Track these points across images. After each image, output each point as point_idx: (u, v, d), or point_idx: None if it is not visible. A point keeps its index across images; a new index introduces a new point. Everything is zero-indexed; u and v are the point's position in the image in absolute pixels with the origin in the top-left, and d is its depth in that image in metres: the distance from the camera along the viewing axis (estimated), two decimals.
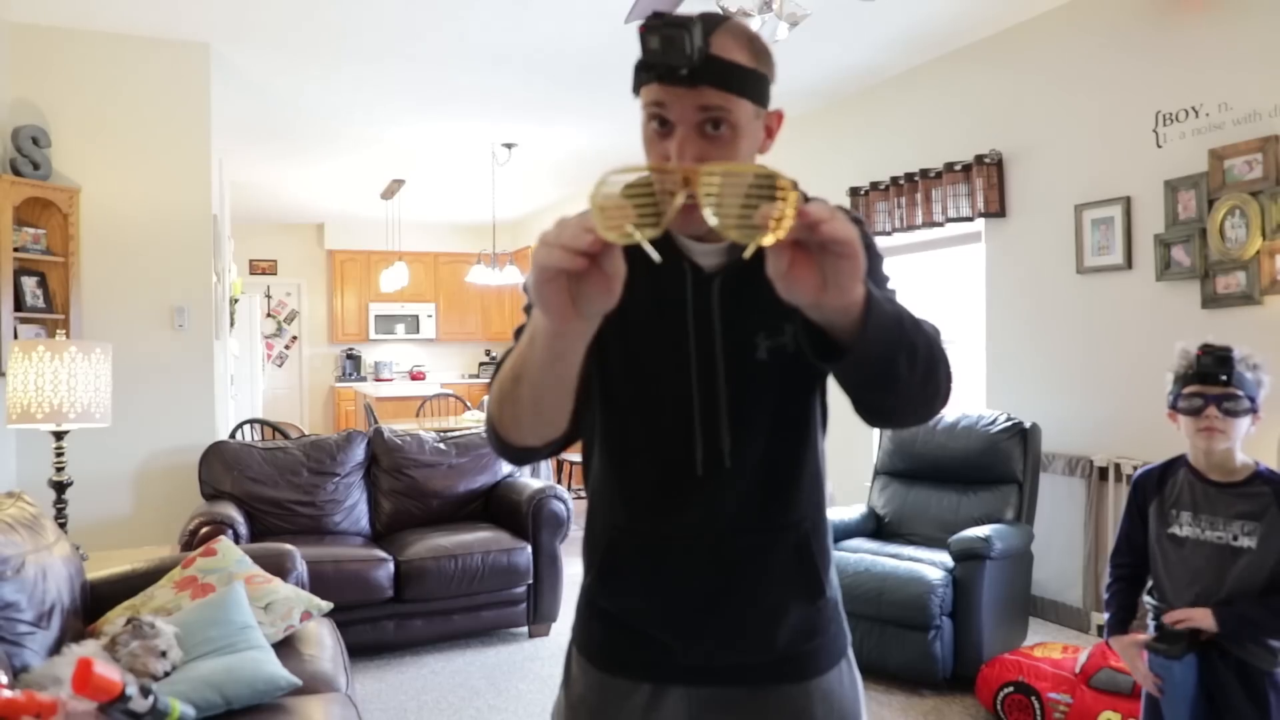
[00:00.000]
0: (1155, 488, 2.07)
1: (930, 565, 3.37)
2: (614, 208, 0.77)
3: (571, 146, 6.72)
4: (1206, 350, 1.92)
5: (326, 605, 2.69)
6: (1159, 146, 3.69)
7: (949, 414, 3.93)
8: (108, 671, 1.71)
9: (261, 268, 10.08)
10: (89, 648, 2.07)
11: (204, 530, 3.42)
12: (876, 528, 3.99)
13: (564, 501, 4.08)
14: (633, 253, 0.82)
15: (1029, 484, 3.68)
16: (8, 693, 1.66)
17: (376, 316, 10.25)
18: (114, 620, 2.31)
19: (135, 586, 2.58)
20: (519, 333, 1.03)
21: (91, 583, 2.58)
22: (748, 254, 0.79)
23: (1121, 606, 2.09)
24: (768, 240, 0.76)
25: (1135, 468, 3.59)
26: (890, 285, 1.07)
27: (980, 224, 4.59)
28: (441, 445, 4.41)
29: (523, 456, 1.06)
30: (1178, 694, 1.93)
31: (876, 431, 4.53)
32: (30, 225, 4.03)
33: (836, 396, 1.08)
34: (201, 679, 2.05)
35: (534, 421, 0.99)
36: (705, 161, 0.95)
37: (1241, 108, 3.39)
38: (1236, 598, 1.89)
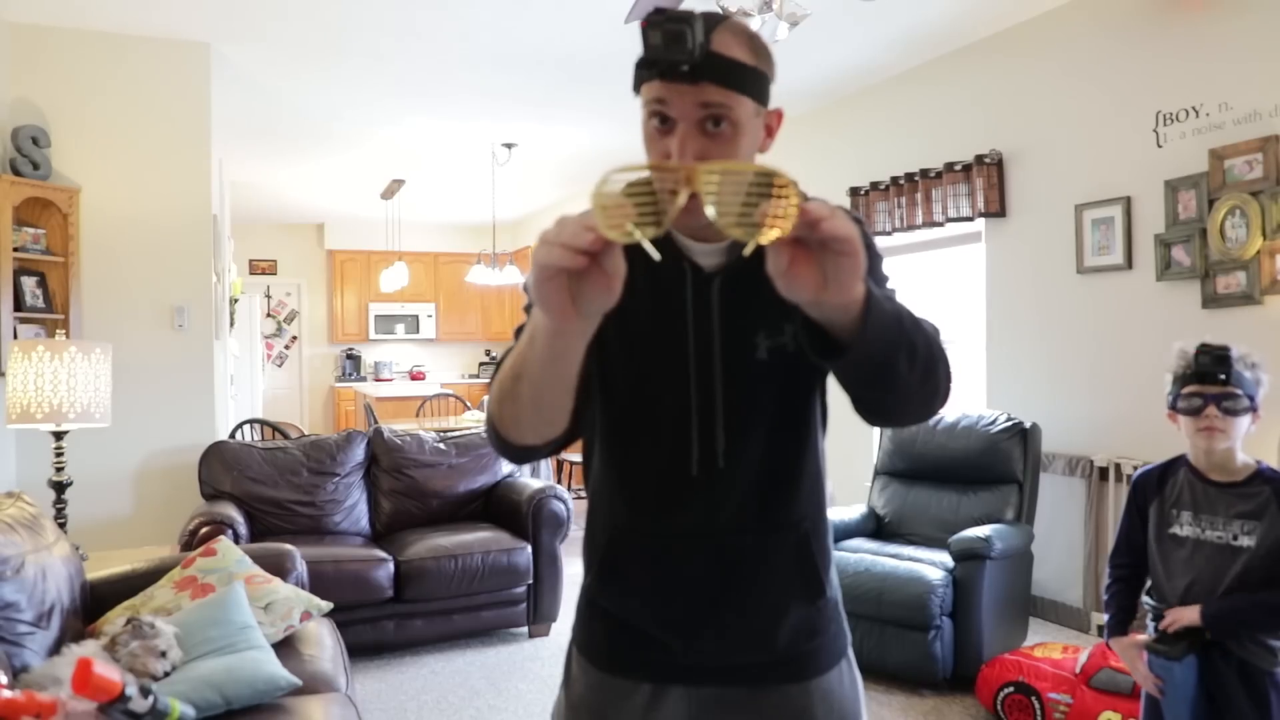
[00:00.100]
0: (1155, 488, 2.06)
1: (930, 565, 3.37)
2: (616, 206, 0.77)
3: (572, 146, 6.73)
4: (1204, 350, 1.92)
5: (326, 605, 2.69)
6: (1159, 146, 3.69)
7: (949, 414, 3.93)
8: (107, 671, 1.71)
9: (261, 268, 10.08)
10: (89, 648, 2.07)
11: (204, 530, 3.42)
12: (876, 528, 3.99)
13: (564, 501, 4.08)
14: (633, 252, 0.82)
15: (1029, 484, 3.68)
16: (8, 693, 1.66)
17: (376, 316, 10.26)
18: (114, 620, 2.31)
19: (135, 586, 2.58)
20: (519, 332, 1.03)
21: (91, 583, 2.58)
22: (748, 251, 0.79)
23: (1121, 608, 2.09)
24: (770, 237, 0.76)
25: (1135, 468, 3.59)
26: (890, 285, 1.07)
27: (980, 224, 4.59)
28: (441, 445, 4.41)
29: (523, 455, 1.06)
30: (1179, 695, 1.93)
31: (876, 431, 4.53)
32: (30, 225, 4.03)
33: (836, 396, 1.08)
34: (201, 679, 2.05)
35: (534, 420, 0.99)
36: (706, 159, 0.95)
37: (1242, 107, 3.39)
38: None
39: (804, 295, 0.81)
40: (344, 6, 4.03)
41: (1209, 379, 1.90)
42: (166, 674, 2.08)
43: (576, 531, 4.21)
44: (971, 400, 4.59)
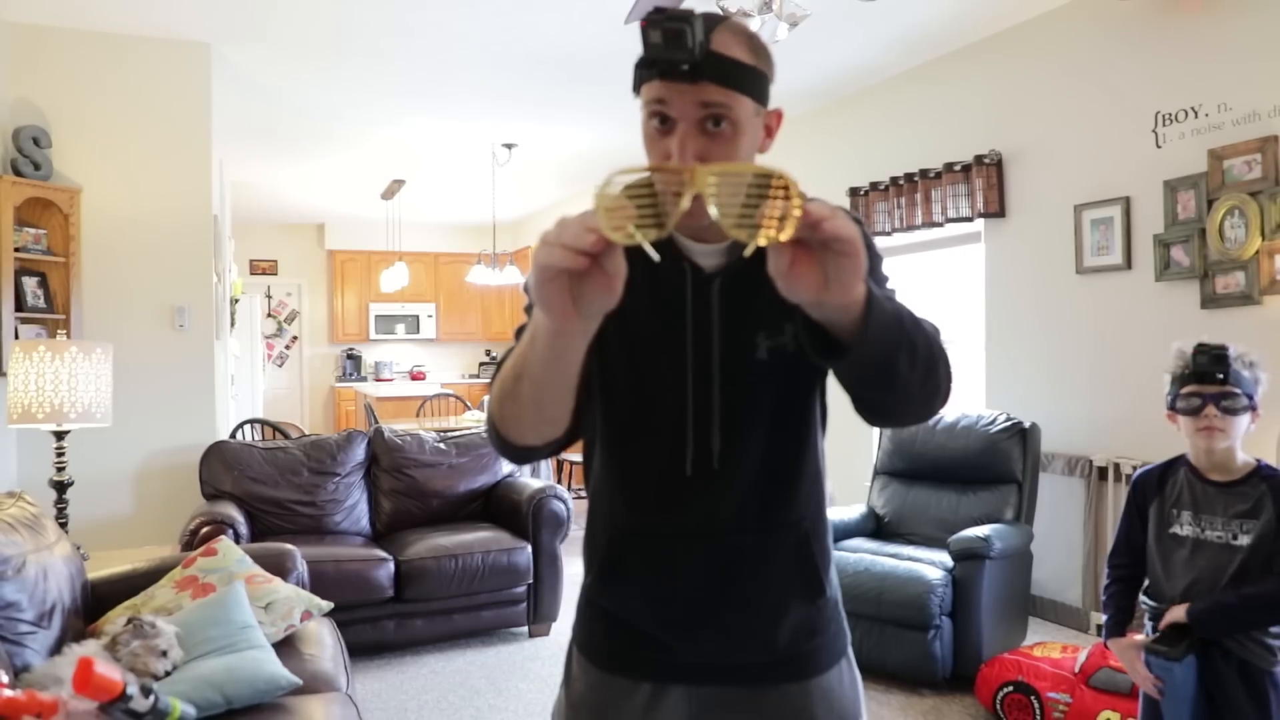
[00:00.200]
0: (1156, 488, 2.06)
1: (930, 565, 3.37)
2: (618, 208, 0.77)
3: (572, 146, 6.73)
4: (1201, 349, 1.92)
5: (327, 605, 2.69)
6: (1158, 147, 3.69)
7: (949, 414, 3.94)
8: (108, 671, 1.71)
9: (262, 268, 10.09)
10: (90, 647, 2.07)
11: (204, 530, 3.42)
12: (876, 527, 3.99)
13: (564, 501, 4.09)
14: (633, 252, 0.82)
15: (1028, 484, 3.68)
16: (9, 692, 1.67)
17: (377, 316, 10.26)
18: (115, 620, 2.31)
19: (136, 586, 2.58)
20: (520, 332, 1.03)
21: (92, 582, 2.58)
22: (748, 252, 0.79)
23: (1119, 609, 2.08)
24: (773, 239, 0.77)
25: (1135, 468, 3.59)
26: (890, 285, 1.08)
27: (980, 224, 4.59)
28: (442, 445, 4.41)
29: (524, 455, 1.06)
30: (1179, 695, 1.93)
31: (876, 431, 4.53)
32: (31, 225, 4.03)
33: (836, 396, 1.08)
34: (202, 678, 2.05)
35: (535, 420, 1.00)
36: (706, 158, 0.95)
37: (1241, 108, 3.39)
38: None
39: (805, 296, 0.81)
40: (344, 6, 4.04)
41: (1207, 379, 1.91)
42: (167, 673, 2.08)
43: (576, 531, 4.22)
44: (971, 400, 4.59)
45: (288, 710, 2.09)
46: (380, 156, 6.97)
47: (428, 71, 4.95)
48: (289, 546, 2.99)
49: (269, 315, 10.11)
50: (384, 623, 3.73)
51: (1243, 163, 3.35)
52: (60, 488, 3.45)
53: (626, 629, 1.14)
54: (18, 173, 3.98)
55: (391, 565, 3.72)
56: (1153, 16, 3.72)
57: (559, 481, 7.16)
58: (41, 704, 1.66)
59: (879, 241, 5.00)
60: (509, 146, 6.62)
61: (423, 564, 3.73)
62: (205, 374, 4.48)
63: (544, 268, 0.79)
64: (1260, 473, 1.93)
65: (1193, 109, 3.56)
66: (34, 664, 2.01)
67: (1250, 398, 1.91)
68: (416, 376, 10.43)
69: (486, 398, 1.21)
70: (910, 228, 4.87)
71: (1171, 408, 1.98)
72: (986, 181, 4.41)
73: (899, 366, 0.92)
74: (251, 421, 5.89)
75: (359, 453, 4.28)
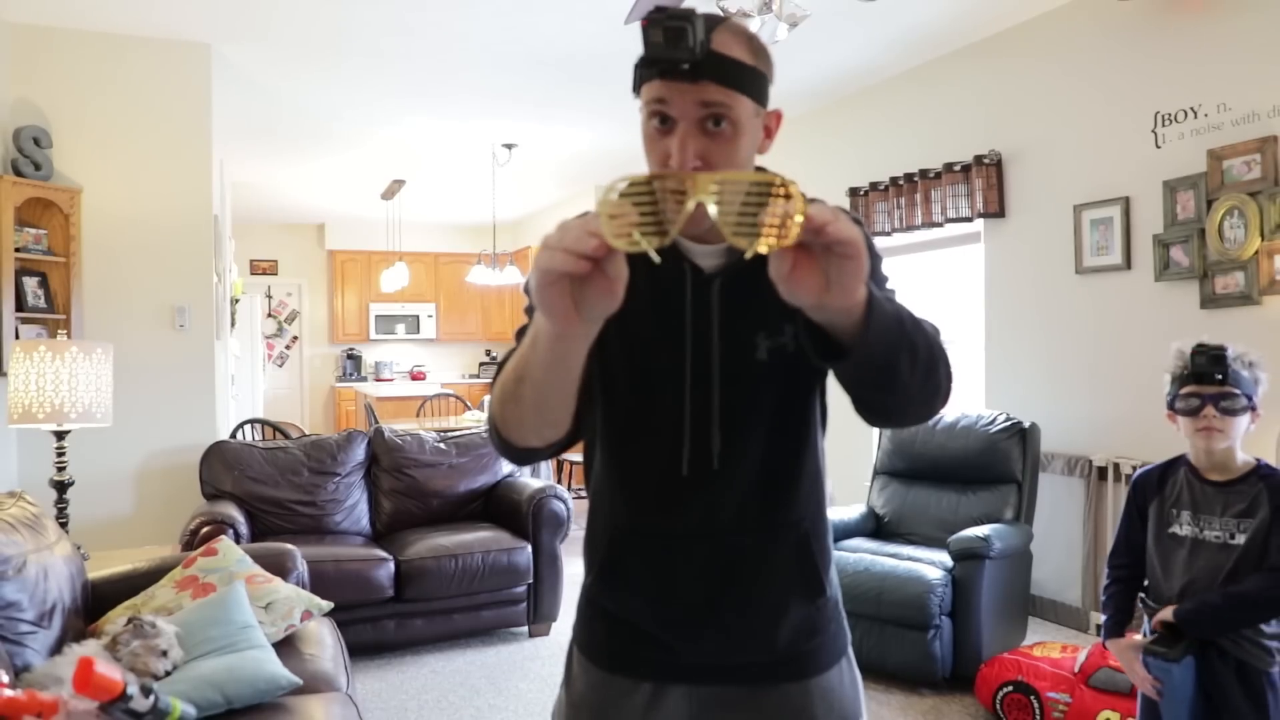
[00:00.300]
0: (1155, 487, 2.06)
1: (929, 565, 3.37)
2: (621, 214, 0.77)
3: (572, 146, 6.73)
4: (1200, 350, 1.92)
5: (327, 605, 2.69)
6: (1158, 147, 3.70)
7: (948, 414, 3.94)
8: (109, 671, 1.71)
9: (262, 268, 10.09)
10: (90, 647, 2.07)
11: (205, 530, 3.43)
12: (876, 527, 4.00)
13: (564, 501, 4.09)
14: (633, 254, 0.82)
15: (1028, 484, 3.69)
16: (9, 692, 1.67)
17: (377, 316, 10.26)
18: (115, 620, 2.31)
19: (136, 586, 2.58)
20: (520, 333, 1.03)
21: (92, 582, 2.58)
22: (749, 255, 0.79)
23: (1118, 609, 2.08)
24: (769, 246, 0.77)
25: (1134, 468, 3.59)
26: (890, 285, 1.08)
27: (979, 224, 4.59)
28: (442, 445, 4.41)
29: (525, 457, 1.06)
30: (1177, 696, 1.93)
31: (876, 431, 4.53)
32: (31, 225, 4.03)
33: (836, 396, 1.09)
34: (202, 678, 2.05)
35: (536, 422, 1.00)
36: (707, 158, 0.96)
37: (1240, 108, 3.39)
38: None
39: (807, 299, 0.81)
40: (344, 7, 4.04)
41: (1206, 379, 1.91)
42: (168, 673, 2.08)
43: (576, 531, 4.22)
44: (971, 400, 4.59)
45: (288, 710, 2.09)
46: (380, 156, 6.97)
47: (428, 71, 4.95)
48: (289, 546, 2.99)
49: (269, 315, 10.11)
50: (384, 623, 3.73)
51: (1242, 163, 3.36)
52: (60, 488, 3.45)
53: (627, 629, 1.14)
54: (18, 173, 3.99)
55: (391, 565, 3.72)
56: (1152, 17, 3.72)
57: (559, 481, 7.16)
58: (42, 704, 1.66)
59: (879, 241, 4.99)
60: (509, 146, 6.62)
61: (423, 564, 3.73)
62: (205, 374, 4.48)
63: (545, 271, 0.79)
64: (1259, 472, 1.93)
65: (1192, 109, 3.56)
66: (34, 664, 2.01)
67: (1250, 398, 1.90)
68: (417, 376, 10.43)
69: (487, 398, 1.21)
70: (910, 228, 4.87)
71: (1171, 408, 1.98)
72: (986, 181, 4.41)
73: (900, 368, 0.92)
74: (252, 421, 5.89)
75: (359, 453, 4.28)
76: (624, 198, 0.79)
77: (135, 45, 4.35)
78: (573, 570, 3.85)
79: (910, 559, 3.47)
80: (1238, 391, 1.89)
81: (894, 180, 4.98)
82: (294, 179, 7.77)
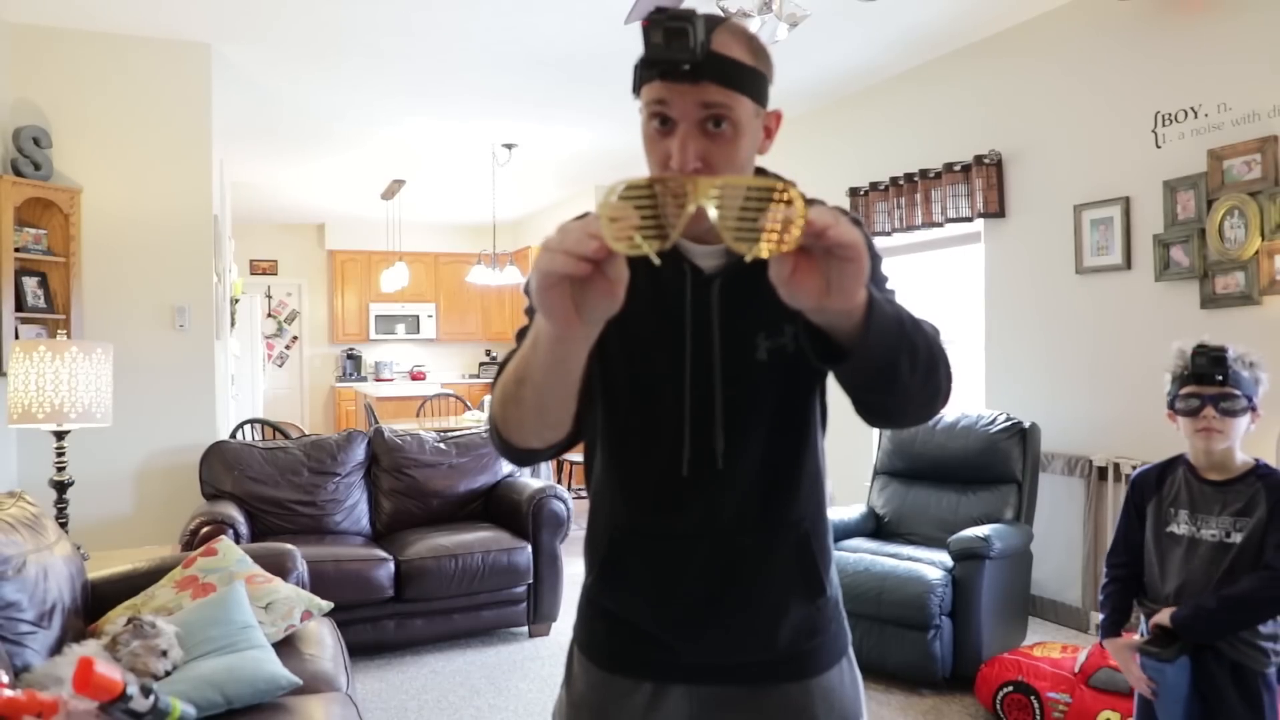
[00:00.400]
0: (1154, 487, 2.06)
1: (930, 565, 3.37)
2: (622, 217, 0.77)
3: (572, 146, 6.73)
4: (1201, 350, 1.92)
5: (327, 605, 2.70)
6: (1158, 147, 3.70)
7: (948, 414, 3.94)
8: (109, 671, 1.71)
9: (262, 268, 10.08)
10: (90, 647, 2.07)
11: (205, 530, 3.43)
12: (876, 527, 4.00)
13: (564, 501, 4.09)
14: (633, 256, 0.82)
15: (1028, 484, 3.69)
16: (9, 692, 1.67)
17: (377, 316, 10.26)
18: (115, 620, 2.31)
19: (136, 586, 2.58)
20: (521, 334, 1.03)
21: (92, 582, 2.58)
22: (749, 259, 0.79)
23: (1116, 609, 2.08)
24: (770, 251, 0.77)
25: (1134, 467, 3.59)
26: (889, 286, 1.08)
27: (979, 224, 4.59)
28: (442, 445, 4.41)
29: (525, 458, 1.06)
30: (1171, 696, 1.93)
31: (876, 431, 4.53)
32: (31, 225, 4.03)
33: (836, 396, 1.09)
34: (202, 678, 2.05)
35: (537, 424, 1.00)
36: (707, 159, 0.96)
37: (1240, 108, 3.39)
38: None
39: (807, 302, 0.81)
40: (344, 6, 4.04)
41: (1206, 380, 1.90)
42: (167, 673, 2.08)
43: (576, 531, 4.22)
44: (971, 400, 4.59)
45: (288, 710, 2.09)
46: (380, 156, 6.97)
47: (428, 71, 4.95)
48: (289, 546, 2.99)
49: (269, 315, 10.11)
50: (384, 623, 3.73)
51: (1242, 163, 3.36)
52: (60, 488, 3.45)
53: (627, 629, 1.14)
54: (18, 173, 3.99)
55: (391, 565, 3.72)
56: (1152, 17, 3.72)
57: (559, 481, 7.16)
58: (41, 704, 1.66)
59: (879, 241, 4.98)
60: (509, 146, 6.62)
61: (423, 564, 3.73)
62: (205, 374, 4.48)
63: (546, 274, 0.79)
64: (1257, 471, 1.93)
65: (1192, 109, 3.56)
66: (34, 664, 2.01)
67: (1250, 399, 1.90)
68: (416, 376, 10.43)
69: (487, 398, 1.22)
70: (910, 228, 4.87)
71: (1171, 408, 1.98)
72: (986, 182, 4.41)
73: (900, 369, 0.92)
74: (252, 421, 5.89)
75: (359, 453, 4.28)
76: (624, 200, 0.78)
77: (135, 45, 4.35)
78: (573, 570, 3.85)
79: (910, 559, 3.47)
80: (1238, 392, 1.89)
81: (894, 180, 4.98)
82: (294, 179, 7.77)
